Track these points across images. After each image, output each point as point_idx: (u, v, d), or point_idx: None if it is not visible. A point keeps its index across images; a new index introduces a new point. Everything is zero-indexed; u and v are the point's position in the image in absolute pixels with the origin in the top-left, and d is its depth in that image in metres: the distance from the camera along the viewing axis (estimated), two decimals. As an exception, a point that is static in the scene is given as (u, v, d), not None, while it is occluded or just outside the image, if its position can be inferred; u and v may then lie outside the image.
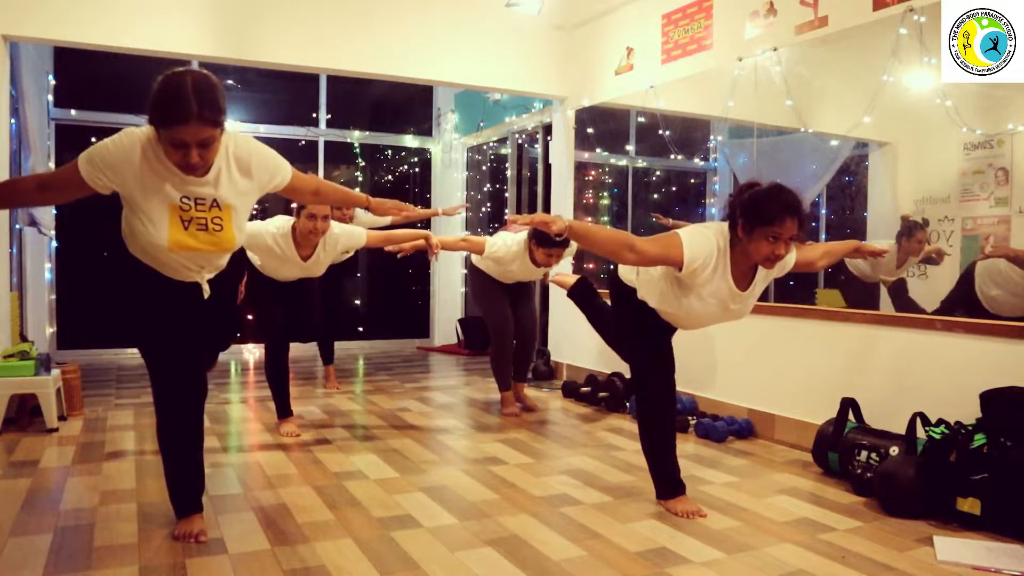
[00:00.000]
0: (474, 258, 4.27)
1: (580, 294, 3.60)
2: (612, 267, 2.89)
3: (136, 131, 2.03)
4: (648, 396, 2.69)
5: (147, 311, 2.27)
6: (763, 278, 2.54)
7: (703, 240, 2.44)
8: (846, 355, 3.36)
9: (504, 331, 4.24)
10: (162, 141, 1.97)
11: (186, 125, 1.91)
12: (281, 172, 2.29)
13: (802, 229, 2.37)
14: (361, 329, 7.30)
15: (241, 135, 2.23)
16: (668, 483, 2.67)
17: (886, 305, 3.35)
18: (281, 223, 3.52)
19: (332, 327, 5.09)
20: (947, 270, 3.12)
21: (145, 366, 2.31)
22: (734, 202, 2.44)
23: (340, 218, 4.56)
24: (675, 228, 4.67)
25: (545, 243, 3.84)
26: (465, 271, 7.51)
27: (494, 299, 4.22)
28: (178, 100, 1.90)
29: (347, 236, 3.62)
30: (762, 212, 2.33)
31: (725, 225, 2.49)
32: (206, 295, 2.29)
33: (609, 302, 2.94)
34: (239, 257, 2.50)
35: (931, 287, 3.18)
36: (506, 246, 4.03)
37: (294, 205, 3.57)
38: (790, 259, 2.53)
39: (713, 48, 4.21)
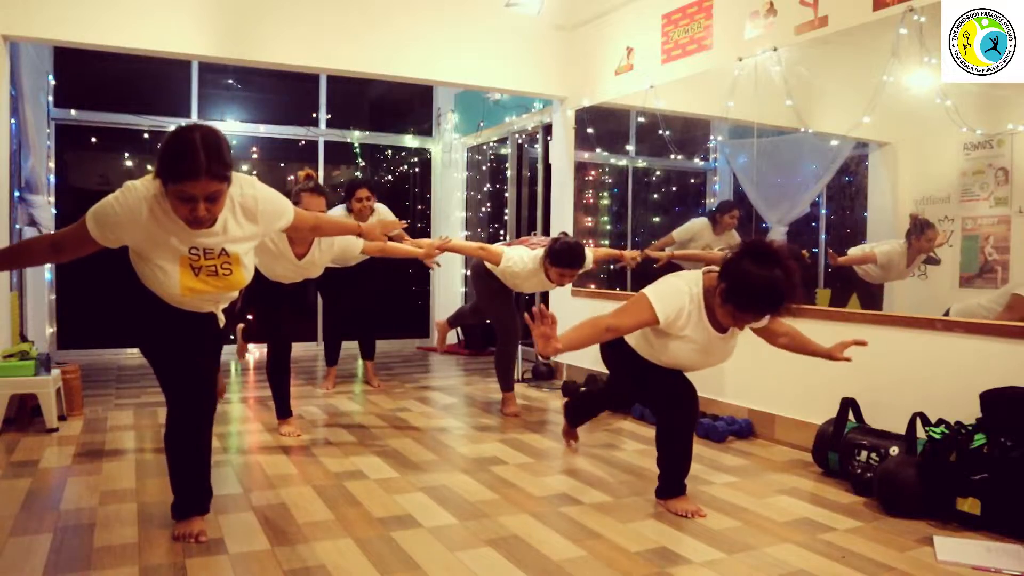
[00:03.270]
0: (487, 263, 4.29)
1: (577, 408, 3.48)
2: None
3: (139, 188, 2.05)
4: (678, 410, 2.68)
5: (160, 328, 2.29)
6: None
7: (673, 293, 2.49)
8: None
9: (512, 332, 4.28)
10: (170, 195, 2.00)
11: (196, 180, 1.95)
12: (285, 215, 2.35)
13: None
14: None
15: (246, 178, 2.24)
16: (674, 484, 2.67)
17: (887, 306, 3.35)
18: None
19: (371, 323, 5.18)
20: (947, 269, 3.12)
21: (156, 375, 2.34)
22: (727, 265, 2.38)
23: (361, 210, 4.69)
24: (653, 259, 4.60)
25: (560, 263, 3.90)
26: (466, 271, 7.50)
27: (502, 302, 4.24)
28: (188, 156, 1.94)
29: (341, 246, 3.59)
30: (743, 300, 2.34)
31: (698, 273, 2.56)
32: (222, 324, 2.36)
33: (607, 367, 3.00)
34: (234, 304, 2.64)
35: (931, 287, 3.18)
36: (522, 262, 4.06)
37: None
38: (762, 323, 2.64)
39: (713, 48, 4.21)
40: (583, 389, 4.62)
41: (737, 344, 2.71)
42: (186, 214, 2.01)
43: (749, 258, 2.32)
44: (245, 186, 2.20)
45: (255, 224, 2.23)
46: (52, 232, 2.23)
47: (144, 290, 2.24)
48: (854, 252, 3.54)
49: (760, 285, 2.29)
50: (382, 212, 4.95)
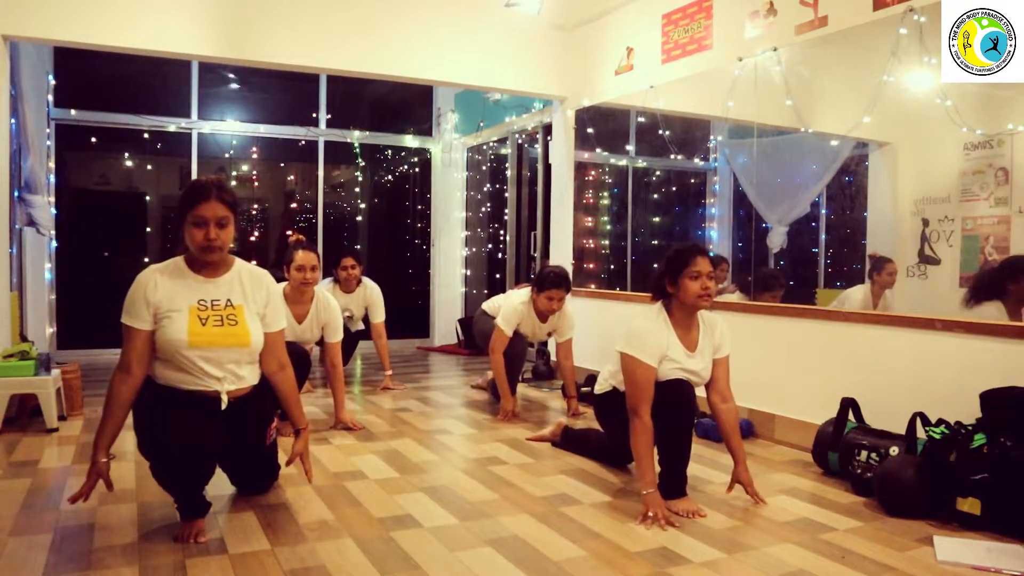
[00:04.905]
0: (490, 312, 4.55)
1: (570, 441, 3.50)
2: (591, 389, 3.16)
3: (148, 267, 2.40)
4: (676, 410, 2.68)
5: (156, 408, 2.30)
6: (707, 343, 2.76)
7: (643, 333, 2.65)
8: (846, 355, 3.36)
9: (518, 356, 4.31)
10: (187, 225, 2.34)
11: (207, 202, 2.32)
12: (276, 303, 2.54)
13: (714, 267, 2.65)
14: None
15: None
16: (676, 484, 2.67)
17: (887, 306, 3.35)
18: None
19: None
20: (947, 269, 3.12)
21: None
22: (656, 274, 2.72)
23: (346, 279, 4.95)
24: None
25: (545, 287, 4.03)
26: (466, 271, 7.50)
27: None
28: (201, 186, 2.36)
29: (334, 317, 3.90)
30: (679, 260, 2.63)
31: (657, 304, 2.75)
32: (224, 405, 2.37)
33: (604, 425, 3.15)
34: (264, 396, 2.56)
35: (931, 287, 3.18)
36: (516, 313, 4.15)
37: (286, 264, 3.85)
38: (719, 361, 2.79)
39: (713, 48, 4.21)
40: (585, 390, 4.62)
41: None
42: (200, 239, 2.33)
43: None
44: (258, 268, 2.56)
45: (258, 289, 2.49)
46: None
47: (152, 390, 2.33)
48: None
49: (674, 247, 2.71)
50: (371, 290, 5.05)
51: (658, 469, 2.72)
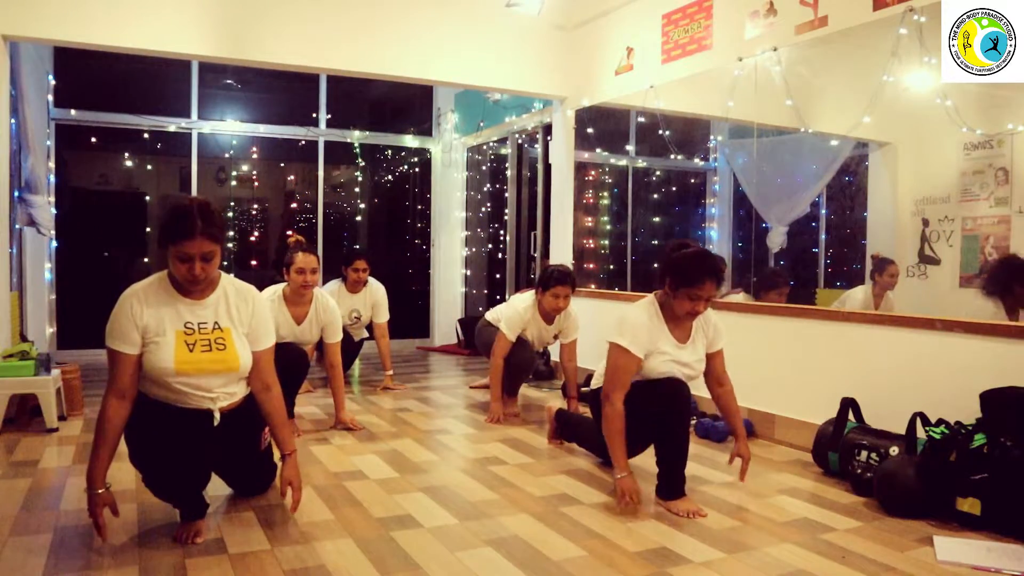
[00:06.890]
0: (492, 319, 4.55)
1: (568, 424, 3.51)
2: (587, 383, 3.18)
3: (131, 287, 2.32)
4: (671, 409, 2.69)
5: (148, 425, 2.28)
6: (700, 335, 2.79)
7: (632, 323, 2.67)
8: (846, 355, 3.36)
9: (525, 365, 4.26)
10: (171, 257, 2.24)
11: (192, 240, 2.18)
12: (261, 320, 2.44)
13: (719, 288, 2.62)
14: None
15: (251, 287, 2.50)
16: (675, 484, 2.67)
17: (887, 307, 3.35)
18: (273, 289, 3.85)
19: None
20: (947, 269, 3.12)
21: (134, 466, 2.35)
22: (663, 267, 2.68)
23: (356, 280, 4.98)
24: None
25: (550, 284, 3.98)
26: (466, 271, 7.50)
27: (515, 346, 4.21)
28: (185, 220, 2.19)
29: (334, 319, 3.90)
30: (687, 275, 2.57)
31: (651, 296, 2.76)
32: (216, 421, 2.34)
33: (595, 415, 3.12)
34: (255, 404, 2.52)
35: (931, 287, 3.19)
36: (520, 319, 4.11)
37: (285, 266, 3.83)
38: (715, 354, 2.84)
39: (713, 48, 4.21)
40: (584, 389, 4.62)
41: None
42: (184, 272, 2.23)
43: (674, 251, 2.68)
44: (242, 284, 2.46)
45: (244, 309, 2.39)
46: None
47: (144, 405, 2.29)
48: None
49: (693, 255, 2.63)
50: (376, 291, 5.10)
51: (656, 470, 2.73)
